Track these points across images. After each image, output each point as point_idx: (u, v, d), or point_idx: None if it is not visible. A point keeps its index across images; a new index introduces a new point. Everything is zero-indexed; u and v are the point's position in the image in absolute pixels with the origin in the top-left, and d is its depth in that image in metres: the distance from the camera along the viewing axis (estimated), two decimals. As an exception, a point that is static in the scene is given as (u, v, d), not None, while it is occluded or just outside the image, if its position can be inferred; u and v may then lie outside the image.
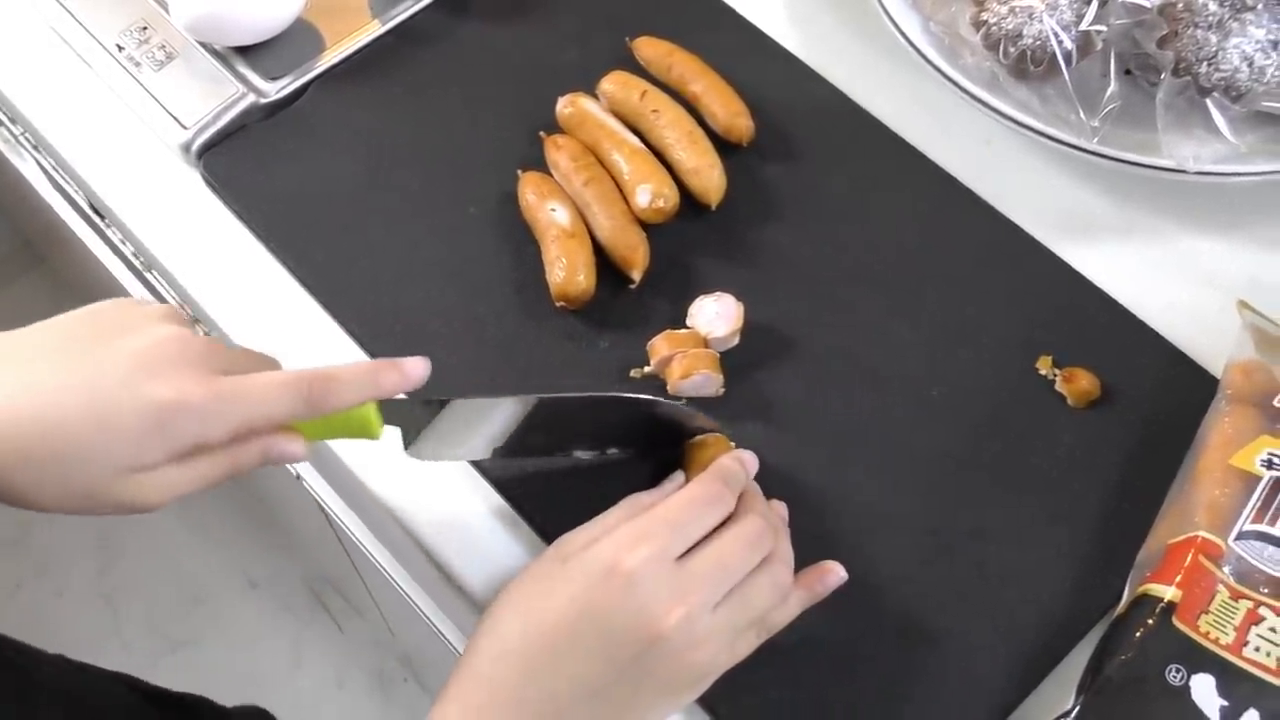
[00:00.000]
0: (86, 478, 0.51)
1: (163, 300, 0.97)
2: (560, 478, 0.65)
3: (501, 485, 0.66)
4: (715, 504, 0.57)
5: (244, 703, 0.69)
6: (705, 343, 0.67)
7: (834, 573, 0.60)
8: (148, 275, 0.95)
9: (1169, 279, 0.72)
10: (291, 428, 0.56)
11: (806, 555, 0.60)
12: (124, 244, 0.92)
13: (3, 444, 0.50)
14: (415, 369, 0.57)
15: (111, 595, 1.64)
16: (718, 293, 0.69)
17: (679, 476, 0.62)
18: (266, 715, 0.67)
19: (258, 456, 0.55)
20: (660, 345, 0.67)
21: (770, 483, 0.63)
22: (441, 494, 0.67)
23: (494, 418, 0.62)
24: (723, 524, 0.57)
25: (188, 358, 0.53)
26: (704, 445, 0.63)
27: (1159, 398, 0.67)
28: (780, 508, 0.63)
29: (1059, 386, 0.67)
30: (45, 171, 1.01)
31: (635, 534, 0.55)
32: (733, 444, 0.64)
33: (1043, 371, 0.68)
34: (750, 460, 0.63)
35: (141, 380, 0.51)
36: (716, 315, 0.68)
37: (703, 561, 0.55)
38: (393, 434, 0.60)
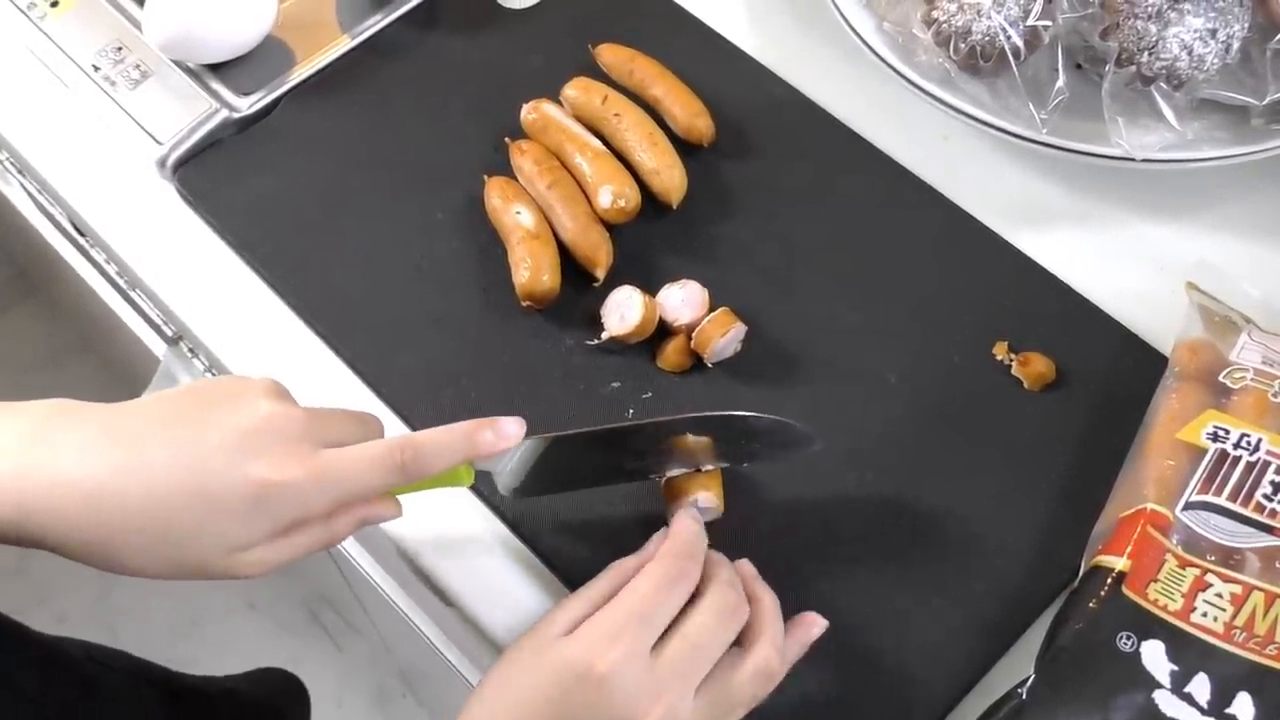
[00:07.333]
0: (195, 553, 0.53)
1: (146, 317, 0.99)
2: (561, 501, 0.66)
3: (499, 509, 0.67)
4: (681, 581, 0.55)
5: None
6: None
7: (815, 624, 0.59)
8: (131, 294, 0.97)
9: (1121, 264, 0.74)
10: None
11: (769, 547, 0.62)
12: (108, 264, 0.94)
13: (112, 519, 0.51)
14: (510, 428, 0.57)
15: (112, 620, 1.66)
16: (683, 280, 0.71)
17: (665, 534, 0.60)
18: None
19: (354, 524, 0.56)
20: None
21: (732, 474, 0.65)
22: (439, 515, 0.67)
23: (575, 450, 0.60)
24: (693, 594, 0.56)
25: (289, 434, 0.53)
26: (689, 481, 0.62)
27: (1112, 379, 0.69)
28: (745, 566, 0.60)
29: (1015, 370, 0.69)
30: (31, 196, 1.03)
31: (606, 632, 0.53)
32: (719, 478, 0.63)
33: (999, 357, 0.69)
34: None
35: (245, 459, 0.52)
36: (682, 302, 0.70)
37: (676, 649, 0.53)
38: None
